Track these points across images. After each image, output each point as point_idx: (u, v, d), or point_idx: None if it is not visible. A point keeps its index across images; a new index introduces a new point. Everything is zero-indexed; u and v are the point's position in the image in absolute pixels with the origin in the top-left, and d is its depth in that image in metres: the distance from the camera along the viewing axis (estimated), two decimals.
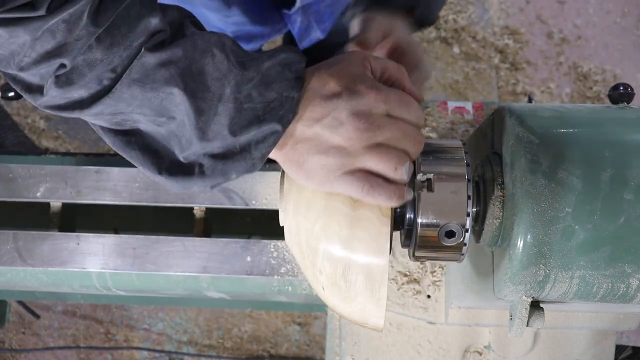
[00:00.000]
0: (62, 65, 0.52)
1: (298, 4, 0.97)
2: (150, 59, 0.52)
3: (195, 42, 0.54)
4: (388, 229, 0.57)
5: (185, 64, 0.54)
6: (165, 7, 0.55)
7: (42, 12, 0.49)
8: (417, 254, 0.62)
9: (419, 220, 0.59)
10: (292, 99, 0.55)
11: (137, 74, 0.53)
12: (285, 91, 0.55)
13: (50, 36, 0.50)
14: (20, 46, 0.51)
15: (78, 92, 0.53)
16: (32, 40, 0.50)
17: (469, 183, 0.59)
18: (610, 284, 0.58)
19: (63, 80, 0.53)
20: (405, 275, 0.92)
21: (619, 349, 1.19)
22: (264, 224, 1.00)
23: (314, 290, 0.67)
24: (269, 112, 0.54)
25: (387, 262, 0.57)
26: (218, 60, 0.54)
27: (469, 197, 0.58)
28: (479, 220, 0.63)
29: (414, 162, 0.61)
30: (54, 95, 0.54)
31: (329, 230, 0.58)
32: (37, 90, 0.54)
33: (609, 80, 2.11)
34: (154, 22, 0.52)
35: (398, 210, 0.62)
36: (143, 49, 0.52)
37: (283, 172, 0.65)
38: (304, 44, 1.08)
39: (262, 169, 0.98)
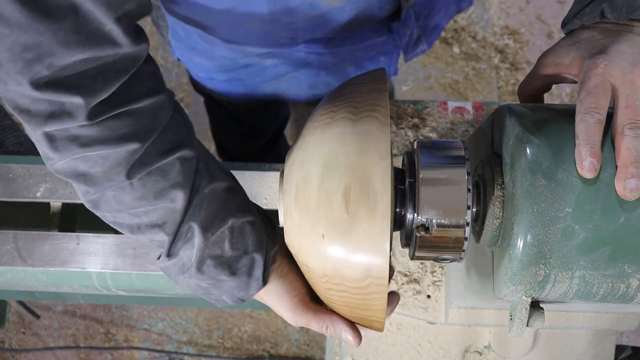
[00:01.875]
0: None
1: (404, 13, 0.92)
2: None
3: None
4: (388, 142, 0.57)
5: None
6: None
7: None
8: (417, 254, 0.62)
9: (419, 219, 0.59)
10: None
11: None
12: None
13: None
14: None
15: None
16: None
17: (468, 176, 0.59)
18: (610, 284, 0.58)
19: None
20: (405, 275, 0.92)
21: (619, 349, 1.19)
22: None
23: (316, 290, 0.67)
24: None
25: (390, 167, 0.57)
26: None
27: (469, 190, 0.58)
28: (479, 220, 0.63)
29: (414, 163, 0.62)
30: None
31: (336, 154, 0.58)
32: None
33: None
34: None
35: (398, 210, 0.62)
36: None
37: (282, 171, 0.65)
38: (410, 56, 1.06)
39: (262, 169, 0.98)
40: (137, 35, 0.58)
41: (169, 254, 0.66)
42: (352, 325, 0.69)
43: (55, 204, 0.97)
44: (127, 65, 0.57)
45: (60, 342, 1.92)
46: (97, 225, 1.08)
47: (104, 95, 0.56)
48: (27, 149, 1.49)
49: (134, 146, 0.59)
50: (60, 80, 0.53)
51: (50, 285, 0.98)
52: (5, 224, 1.09)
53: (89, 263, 0.93)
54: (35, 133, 0.58)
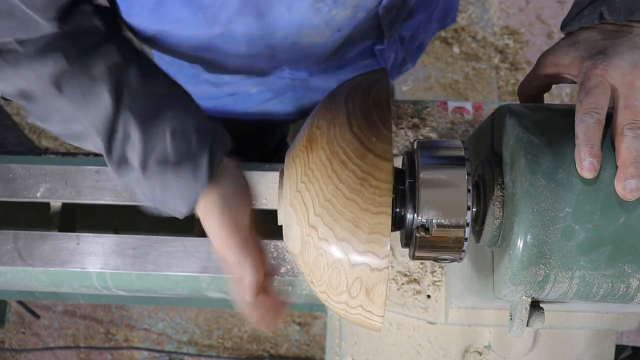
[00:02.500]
0: None
1: (388, 35, 0.92)
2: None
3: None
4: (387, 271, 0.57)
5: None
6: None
7: None
8: (417, 254, 0.62)
9: (419, 220, 0.59)
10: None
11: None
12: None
13: None
14: None
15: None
16: None
17: (468, 177, 0.59)
18: (610, 284, 0.58)
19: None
20: (405, 275, 0.92)
21: (619, 349, 1.19)
22: (264, 224, 1.00)
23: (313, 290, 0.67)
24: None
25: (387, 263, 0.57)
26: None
27: (468, 191, 0.58)
28: (479, 220, 0.63)
29: (414, 164, 0.62)
30: None
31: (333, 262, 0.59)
32: None
33: None
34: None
35: (398, 210, 0.62)
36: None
37: (282, 170, 0.65)
38: (396, 76, 1.07)
39: (262, 169, 0.98)
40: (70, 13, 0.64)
41: (110, 158, 0.67)
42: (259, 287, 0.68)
43: (55, 204, 0.97)
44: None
45: (60, 342, 1.92)
46: (97, 225, 1.08)
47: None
48: (27, 149, 1.49)
49: (59, 61, 0.63)
50: None
51: (50, 285, 0.98)
52: (5, 224, 1.09)
53: (89, 263, 0.93)
54: None
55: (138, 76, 0.67)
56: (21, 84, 0.66)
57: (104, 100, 0.64)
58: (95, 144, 0.68)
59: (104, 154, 0.68)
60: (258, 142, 1.37)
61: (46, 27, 0.63)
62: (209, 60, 0.92)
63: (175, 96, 0.70)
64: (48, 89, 0.65)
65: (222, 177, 0.69)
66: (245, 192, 0.71)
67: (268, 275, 0.72)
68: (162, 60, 1.00)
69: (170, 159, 0.66)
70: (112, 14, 0.72)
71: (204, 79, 1.00)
